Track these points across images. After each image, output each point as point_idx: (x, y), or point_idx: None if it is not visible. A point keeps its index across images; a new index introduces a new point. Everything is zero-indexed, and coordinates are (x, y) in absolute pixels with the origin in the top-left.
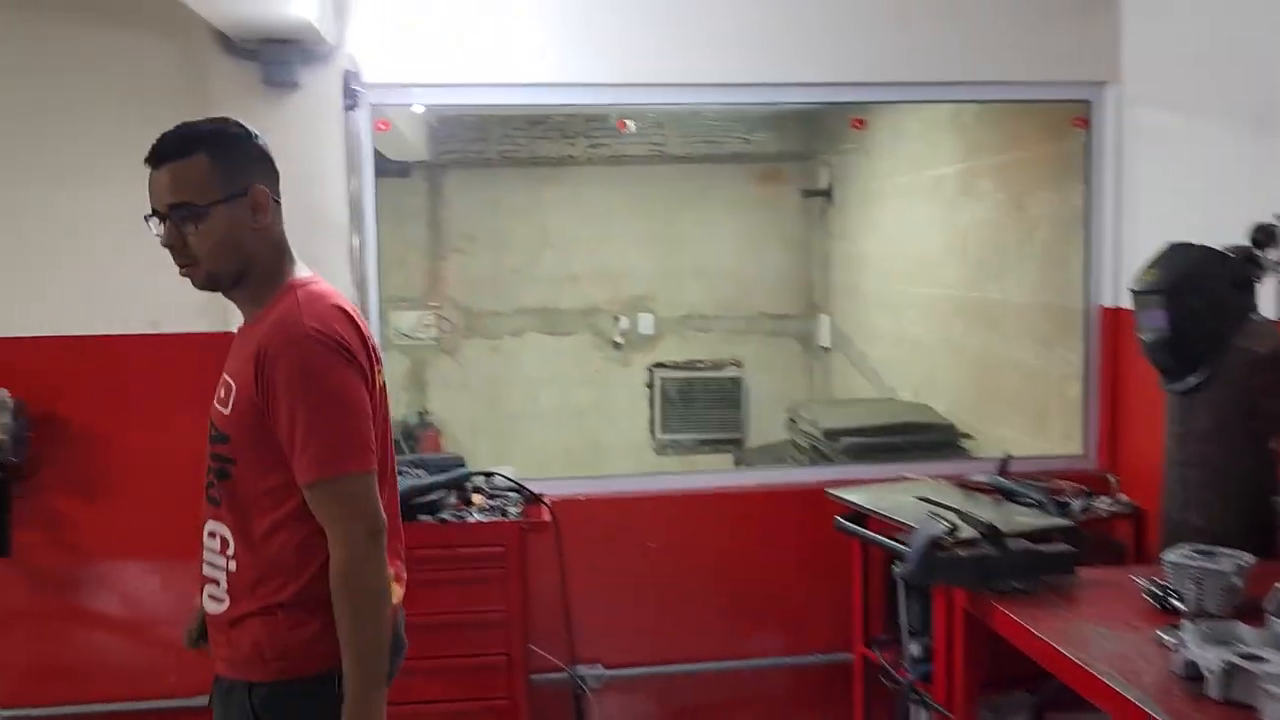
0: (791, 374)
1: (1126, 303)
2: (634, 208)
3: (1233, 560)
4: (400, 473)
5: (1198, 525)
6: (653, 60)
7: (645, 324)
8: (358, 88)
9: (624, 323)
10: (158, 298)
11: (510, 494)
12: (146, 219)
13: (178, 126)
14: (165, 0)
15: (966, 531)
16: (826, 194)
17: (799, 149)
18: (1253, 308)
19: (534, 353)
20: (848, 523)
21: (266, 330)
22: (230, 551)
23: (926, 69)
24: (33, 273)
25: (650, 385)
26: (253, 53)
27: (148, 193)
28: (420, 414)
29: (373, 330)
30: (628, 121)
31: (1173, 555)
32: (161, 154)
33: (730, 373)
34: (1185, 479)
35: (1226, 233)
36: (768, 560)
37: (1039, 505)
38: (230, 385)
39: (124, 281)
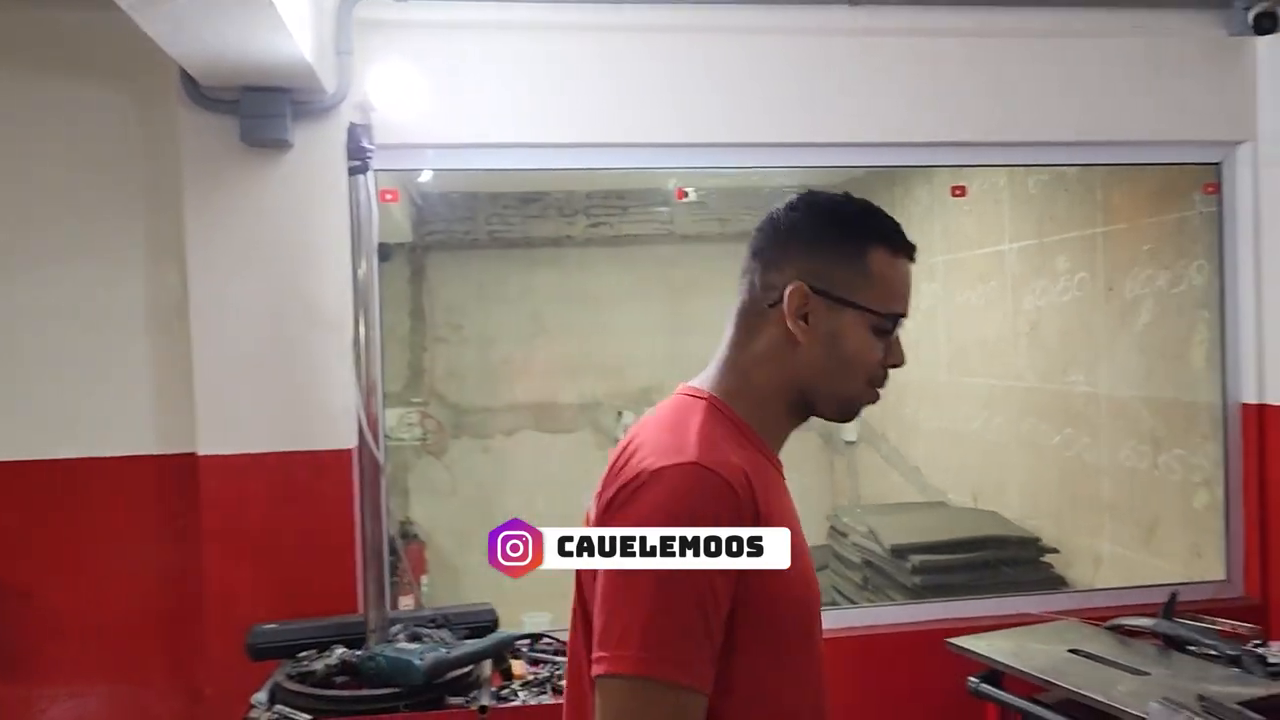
0: (810, 470)
1: (1276, 397)
2: (637, 292)
3: None
4: (419, 637)
5: None
6: (712, 120)
7: None
8: (369, 146)
9: (628, 418)
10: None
11: (558, 658)
12: (896, 321)
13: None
14: (116, 38)
15: None
16: None
17: None
18: None
19: (529, 453)
20: (990, 688)
21: None
22: None
23: (1032, 128)
24: None
25: None
26: (230, 104)
27: (901, 290)
28: (403, 524)
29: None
30: (688, 190)
31: None
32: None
33: None
34: None
35: None
36: None
37: (1233, 661)
38: None
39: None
